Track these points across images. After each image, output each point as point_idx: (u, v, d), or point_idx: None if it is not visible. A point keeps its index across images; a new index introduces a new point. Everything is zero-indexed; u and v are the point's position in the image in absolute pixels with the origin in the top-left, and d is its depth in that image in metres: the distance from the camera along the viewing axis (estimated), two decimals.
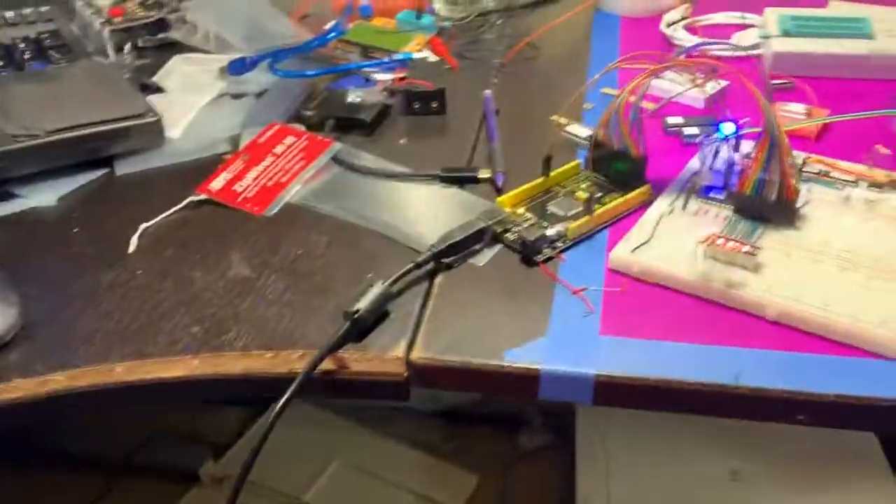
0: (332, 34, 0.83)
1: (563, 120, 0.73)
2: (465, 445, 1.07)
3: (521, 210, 0.61)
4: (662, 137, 0.71)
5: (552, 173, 0.63)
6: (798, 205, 0.57)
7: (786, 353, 0.47)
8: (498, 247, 0.58)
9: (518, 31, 0.92)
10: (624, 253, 0.54)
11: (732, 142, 0.61)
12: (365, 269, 0.56)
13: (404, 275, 0.53)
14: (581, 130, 0.71)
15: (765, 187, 0.55)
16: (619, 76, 0.82)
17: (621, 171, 0.62)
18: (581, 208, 0.60)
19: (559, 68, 0.87)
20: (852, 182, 0.60)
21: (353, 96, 0.74)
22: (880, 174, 0.61)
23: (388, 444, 1.04)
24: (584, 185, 0.63)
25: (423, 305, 0.52)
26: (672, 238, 0.55)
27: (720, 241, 0.52)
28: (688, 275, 0.52)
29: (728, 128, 0.63)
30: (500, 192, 0.64)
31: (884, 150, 0.59)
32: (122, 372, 0.48)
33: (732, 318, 0.50)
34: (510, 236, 0.58)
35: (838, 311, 0.48)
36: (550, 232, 0.57)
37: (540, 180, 0.63)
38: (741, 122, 0.64)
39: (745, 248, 0.52)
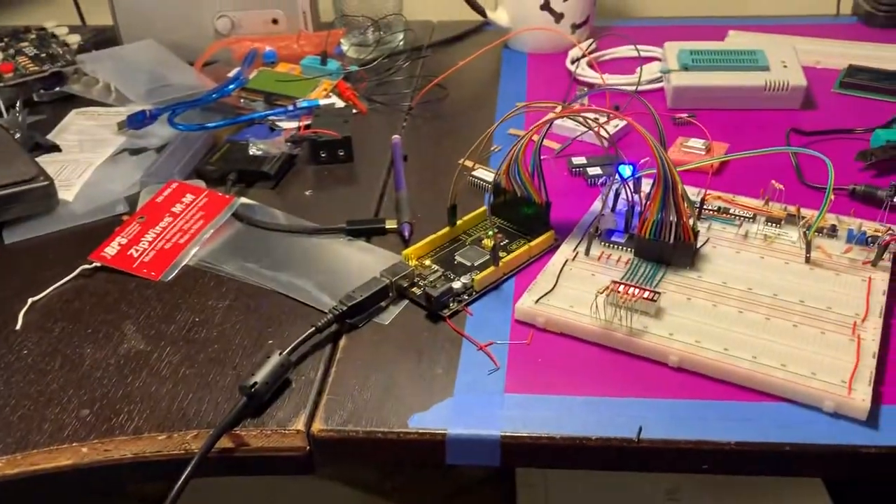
0: (233, 84, 0.82)
1: (470, 164, 0.73)
2: (404, 483, 1.05)
3: (427, 262, 0.60)
4: (568, 178, 0.72)
5: (460, 221, 0.63)
6: (698, 244, 0.57)
7: (689, 401, 0.47)
8: (404, 302, 0.57)
9: (428, 72, 0.92)
10: (528, 304, 0.54)
11: (631, 183, 0.61)
12: (266, 334, 0.54)
13: (305, 341, 0.51)
14: (488, 175, 0.71)
15: (663, 230, 0.56)
16: (527, 116, 0.82)
17: (526, 216, 0.62)
18: (488, 256, 0.60)
19: (468, 109, 0.87)
20: (750, 218, 0.62)
21: (256, 148, 0.72)
22: (777, 209, 0.62)
23: (325, 484, 1.01)
24: (490, 233, 0.63)
25: (326, 372, 0.51)
26: (576, 286, 0.55)
27: (621, 287, 0.52)
28: (591, 324, 0.52)
29: (626, 170, 0.63)
30: (407, 242, 0.63)
31: (778, 186, 0.61)
32: (3, 465, 0.45)
33: (637, 366, 0.50)
34: (416, 291, 0.57)
35: (738, 355, 0.49)
36: (457, 285, 0.56)
37: (446, 230, 0.62)
38: (641, 162, 0.65)
39: (646, 294, 0.52)
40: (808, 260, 0.56)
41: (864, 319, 0.51)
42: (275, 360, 0.49)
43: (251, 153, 0.72)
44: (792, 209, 0.61)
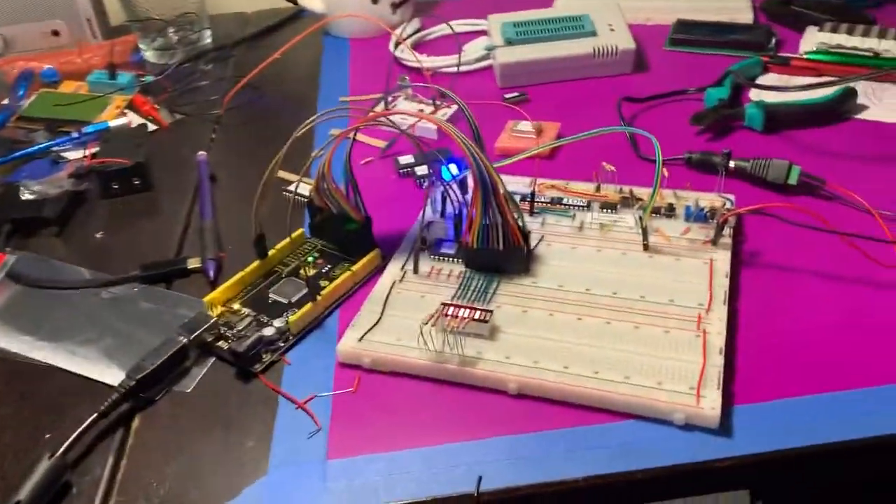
0: (2, 115, 0.70)
1: (288, 176, 0.66)
2: None
3: (236, 306, 0.52)
4: (396, 181, 0.65)
5: (273, 249, 0.55)
6: (531, 245, 0.52)
7: (532, 435, 0.42)
8: (211, 360, 0.49)
9: (239, 72, 0.82)
10: (351, 343, 0.48)
11: (456, 185, 0.56)
12: (43, 427, 0.45)
13: (86, 431, 0.43)
14: (304, 189, 0.63)
15: (490, 236, 0.50)
16: (353, 111, 0.75)
17: (347, 235, 0.56)
18: (307, 290, 0.53)
19: (286, 110, 0.79)
20: (584, 206, 0.57)
21: (29, 191, 0.62)
22: (611, 192, 0.58)
23: None
24: (311, 258, 0.56)
25: (116, 465, 0.43)
26: (404, 313, 0.49)
27: (450, 310, 0.47)
28: (420, 359, 0.46)
29: (451, 169, 0.58)
30: (213, 284, 0.55)
31: (609, 168, 0.57)
32: None
33: (475, 400, 0.45)
34: (223, 345, 0.50)
35: (579, 372, 0.44)
36: (269, 331, 0.49)
37: (256, 263, 0.55)
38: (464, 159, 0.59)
39: (477, 315, 0.47)
40: (646, 247, 0.52)
41: (708, 310, 0.47)
42: (44, 465, 0.40)
43: (26, 197, 0.62)
44: (626, 190, 0.57)
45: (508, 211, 0.50)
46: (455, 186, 0.55)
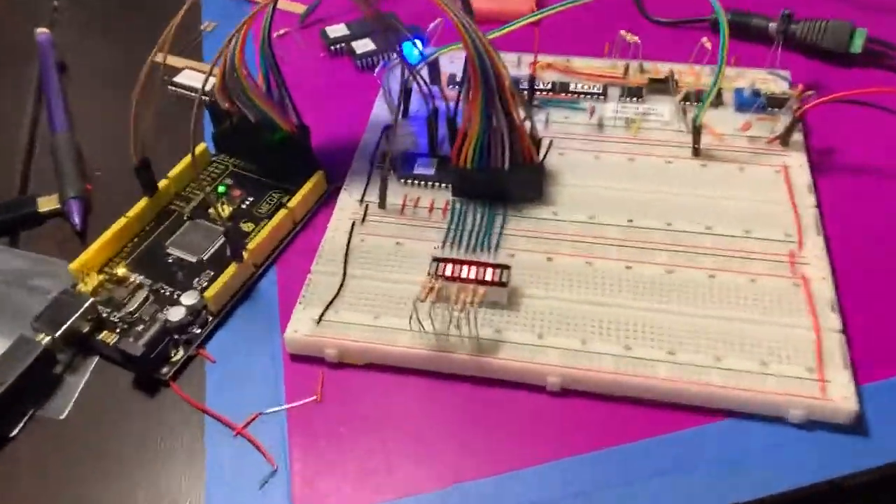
0: None
1: (175, 61, 0.47)
2: None
3: (121, 271, 0.35)
4: (328, 63, 0.48)
5: (165, 179, 0.38)
6: (542, 157, 0.37)
7: (588, 457, 0.29)
8: (94, 361, 0.33)
9: None
10: (306, 328, 0.32)
11: (425, 70, 0.39)
12: None
13: None
14: (199, 79, 0.45)
15: (492, 153, 0.35)
16: None
17: (272, 151, 0.39)
18: (224, 240, 0.36)
19: None
20: (600, 94, 0.42)
21: None
22: (633, 72, 0.43)
23: None
24: (221, 188, 0.39)
25: None
26: (378, 272, 0.34)
27: (448, 268, 0.32)
28: (414, 346, 0.32)
29: (414, 48, 0.41)
30: (82, 234, 0.38)
31: (630, 37, 0.41)
32: None
33: (498, 404, 0.30)
34: (108, 338, 0.33)
35: (645, 355, 0.30)
36: (176, 314, 0.33)
37: (142, 203, 0.37)
38: (431, 27, 0.42)
39: (488, 274, 0.32)
40: (696, 152, 0.39)
41: (800, 243, 0.35)
42: None
43: None
44: (662, 70, 0.42)
45: (517, 114, 0.34)
46: (424, 72, 0.39)
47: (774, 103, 0.40)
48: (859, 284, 0.34)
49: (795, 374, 0.30)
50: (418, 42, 0.41)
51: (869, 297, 0.33)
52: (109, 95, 0.46)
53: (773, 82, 0.42)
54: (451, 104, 0.37)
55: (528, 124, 0.36)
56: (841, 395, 0.29)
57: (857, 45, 0.44)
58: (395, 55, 0.39)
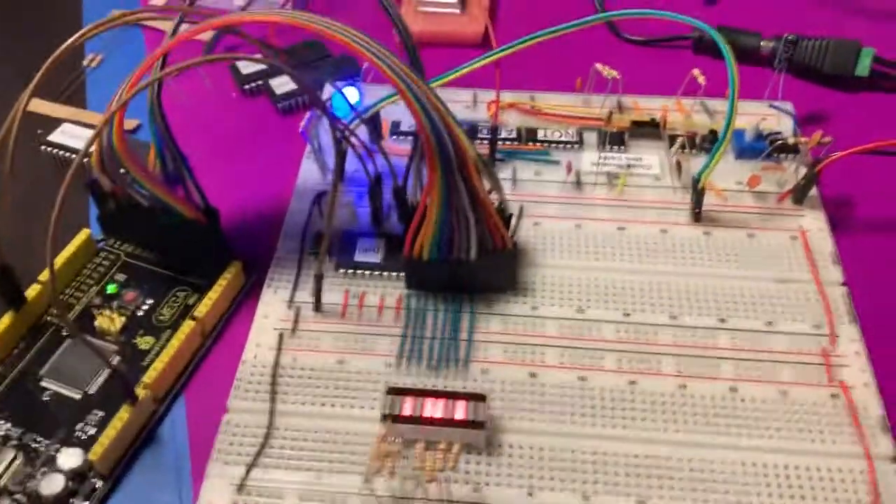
0: None
1: (46, 108, 0.38)
2: None
3: None
4: (242, 104, 0.39)
5: (43, 275, 0.30)
6: (511, 227, 0.30)
7: None
8: None
9: None
10: (222, 501, 0.25)
11: (362, 126, 0.31)
12: None
13: None
14: (86, 135, 0.36)
15: (454, 246, 0.28)
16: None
17: (174, 237, 0.31)
18: (114, 360, 0.28)
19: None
20: (575, 142, 0.35)
21: None
22: (610, 106, 0.36)
23: None
24: (112, 289, 0.31)
25: None
26: (314, 410, 0.26)
27: (406, 404, 0.25)
28: None
29: (348, 94, 0.33)
30: None
31: (607, 71, 0.34)
32: None
33: None
34: None
35: None
36: (52, 487, 0.25)
37: (7, 319, 0.29)
38: (367, 65, 0.34)
39: (459, 411, 0.25)
40: (697, 217, 0.32)
41: (832, 336, 0.29)
42: None
43: None
44: (644, 107, 0.35)
45: (483, 191, 0.27)
46: (362, 129, 0.31)
47: (781, 148, 0.34)
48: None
49: None
50: (352, 90, 0.33)
51: None
52: None
53: (774, 118, 0.36)
54: (396, 165, 0.30)
55: (495, 197, 0.28)
56: None
57: (864, 68, 0.38)
58: (323, 110, 0.31)
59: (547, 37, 0.31)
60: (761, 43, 0.39)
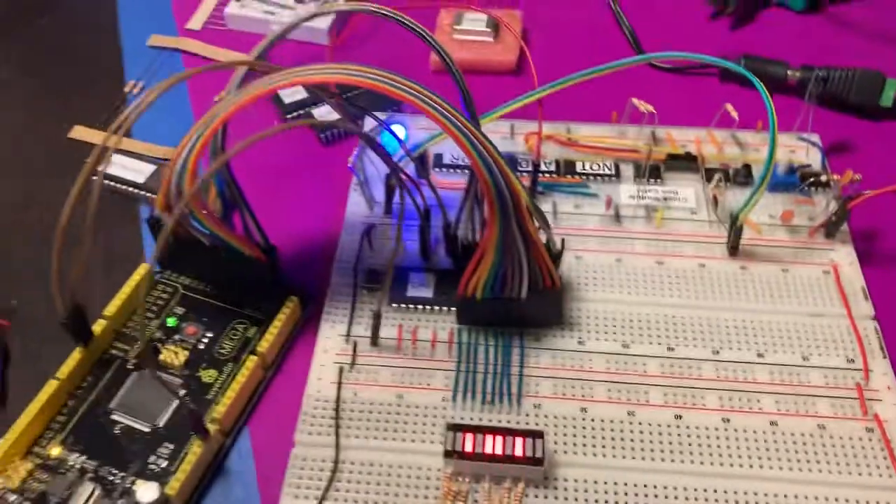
0: None
1: (94, 137, 0.39)
2: None
3: (55, 451, 0.28)
4: (285, 135, 0.41)
5: (106, 314, 0.31)
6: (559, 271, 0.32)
7: None
8: None
9: None
10: None
11: (405, 160, 0.33)
12: None
13: None
14: (135, 166, 0.37)
15: (506, 286, 0.29)
16: (178, 21, 0.47)
17: (233, 271, 0.32)
18: (179, 398, 0.29)
19: (80, 34, 0.48)
20: (611, 174, 0.36)
21: None
22: (646, 139, 0.37)
23: None
24: (172, 322, 0.32)
25: None
26: (378, 444, 0.28)
27: (468, 441, 0.26)
28: None
29: (397, 132, 0.34)
30: (2, 397, 0.31)
31: (643, 106, 0.35)
32: None
33: None
34: None
35: None
36: None
37: (76, 356, 0.30)
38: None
39: (518, 447, 0.27)
40: (734, 252, 0.34)
41: (866, 373, 0.30)
42: None
43: None
44: (678, 139, 0.37)
45: (536, 238, 0.28)
46: (411, 165, 0.32)
47: (812, 182, 0.35)
48: None
49: None
50: (399, 128, 0.34)
51: None
52: (16, 182, 0.38)
53: (803, 150, 0.37)
54: (446, 198, 0.31)
55: (543, 235, 0.30)
56: None
57: (889, 98, 0.39)
58: (371, 144, 0.32)
59: (589, 76, 0.32)
60: (788, 72, 0.41)
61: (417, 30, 0.28)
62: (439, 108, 0.25)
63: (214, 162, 0.27)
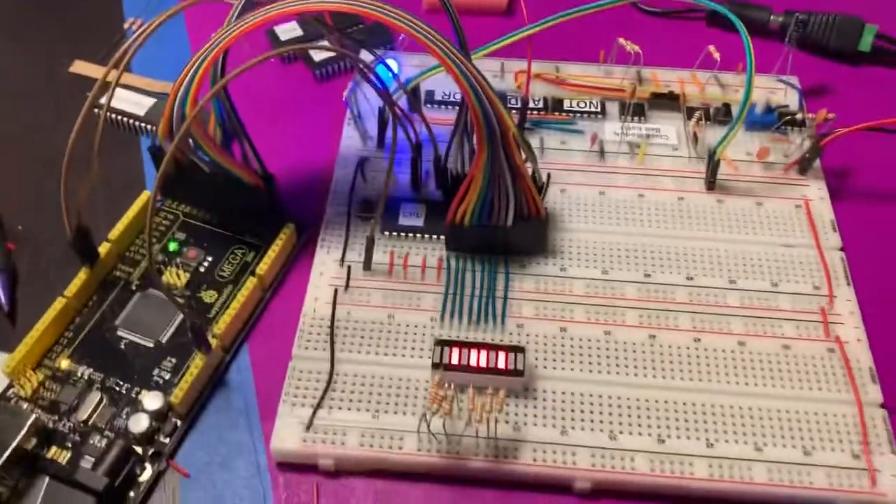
0: None
1: (94, 72, 0.40)
2: None
3: (64, 363, 0.30)
4: (281, 70, 0.41)
5: (111, 237, 0.32)
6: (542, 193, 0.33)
7: None
8: (45, 483, 0.28)
9: None
10: (294, 438, 0.28)
11: (403, 94, 0.34)
12: None
13: None
14: (138, 101, 0.39)
15: (493, 213, 0.31)
16: None
17: (230, 200, 0.33)
18: (183, 314, 0.31)
19: None
20: (597, 111, 0.38)
21: None
22: (632, 79, 0.38)
23: None
24: (174, 246, 0.33)
25: None
26: (369, 359, 0.29)
27: (454, 354, 0.28)
28: (424, 453, 0.28)
29: (390, 66, 0.35)
30: (12, 315, 0.32)
31: (629, 46, 0.37)
32: None
33: None
34: (59, 456, 0.28)
35: (681, 449, 0.27)
36: (138, 426, 0.28)
37: (83, 275, 0.32)
38: (403, 37, 0.37)
39: (501, 360, 0.28)
40: (711, 185, 0.35)
41: (830, 296, 0.32)
42: None
43: None
44: (662, 79, 0.38)
45: (521, 165, 0.30)
46: (404, 99, 0.34)
47: (788, 121, 0.36)
48: (891, 336, 0.31)
49: (842, 462, 0.27)
50: (392, 63, 0.35)
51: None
52: (19, 114, 0.39)
53: (782, 91, 0.38)
54: (436, 133, 0.32)
55: (529, 167, 0.31)
56: (893, 488, 0.27)
57: (867, 43, 0.40)
58: (366, 76, 0.33)
59: (575, 15, 0.33)
60: (770, 17, 0.42)
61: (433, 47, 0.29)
62: (432, 38, 0.27)
63: (216, 86, 0.28)
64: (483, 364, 0.28)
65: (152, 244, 0.32)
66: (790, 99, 0.38)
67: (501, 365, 0.28)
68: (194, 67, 0.28)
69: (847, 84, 0.40)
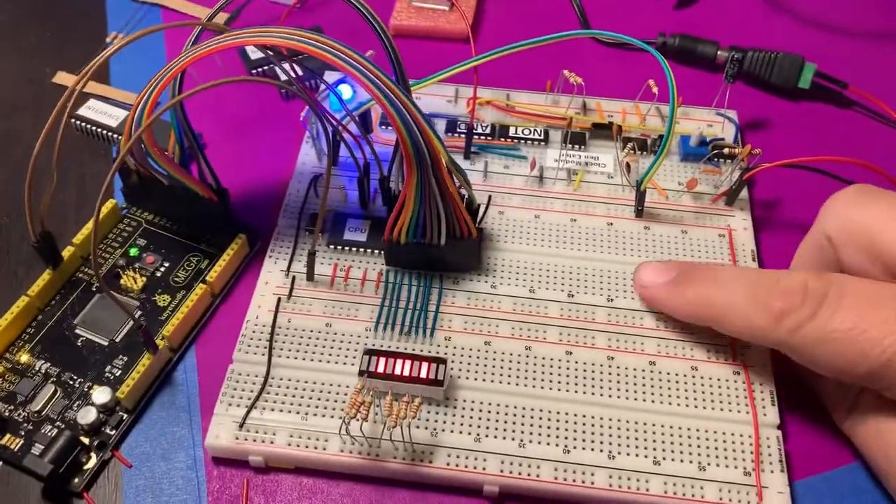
0: None
1: (70, 81, 0.43)
2: None
3: (24, 357, 0.32)
4: (250, 88, 0.44)
5: (75, 241, 0.35)
6: (478, 217, 0.35)
7: None
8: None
9: None
10: (227, 435, 0.30)
11: (348, 122, 0.36)
12: None
13: None
14: (109, 112, 0.41)
15: (427, 228, 0.33)
16: None
17: (190, 209, 0.36)
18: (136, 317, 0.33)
19: None
20: (541, 139, 0.40)
21: None
22: (577, 107, 0.41)
23: None
24: (134, 252, 0.36)
25: None
26: (305, 359, 0.32)
27: (380, 363, 0.30)
28: (347, 454, 0.30)
29: (343, 92, 0.38)
30: None
31: (574, 78, 0.39)
32: None
33: None
34: (12, 445, 0.31)
35: (584, 459, 0.30)
36: (87, 417, 0.31)
37: (46, 277, 0.34)
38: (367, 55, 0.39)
39: (423, 370, 0.31)
40: (639, 213, 0.37)
41: None
42: None
43: None
44: (605, 109, 0.40)
45: (455, 194, 0.32)
46: (354, 122, 0.36)
47: (718, 154, 0.38)
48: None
49: (733, 478, 0.29)
50: (346, 88, 0.37)
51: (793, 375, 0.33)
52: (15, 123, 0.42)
53: (720, 124, 0.40)
54: (383, 154, 0.35)
55: (467, 198, 0.33)
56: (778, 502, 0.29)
57: (806, 80, 0.42)
58: (320, 101, 0.36)
59: (526, 47, 0.35)
60: (717, 52, 0.44)
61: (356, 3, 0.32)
62: (360, 67, 0.29)
63: (167, 103, 0.31)
64: (406, 373, 0.30)
65: (97, 251, 0.35)
66: (727, 132, 0.40)
67: (424, 374, 0.30)
68: (150, 88, 0.31)
69: (785, 120, 0.42)
